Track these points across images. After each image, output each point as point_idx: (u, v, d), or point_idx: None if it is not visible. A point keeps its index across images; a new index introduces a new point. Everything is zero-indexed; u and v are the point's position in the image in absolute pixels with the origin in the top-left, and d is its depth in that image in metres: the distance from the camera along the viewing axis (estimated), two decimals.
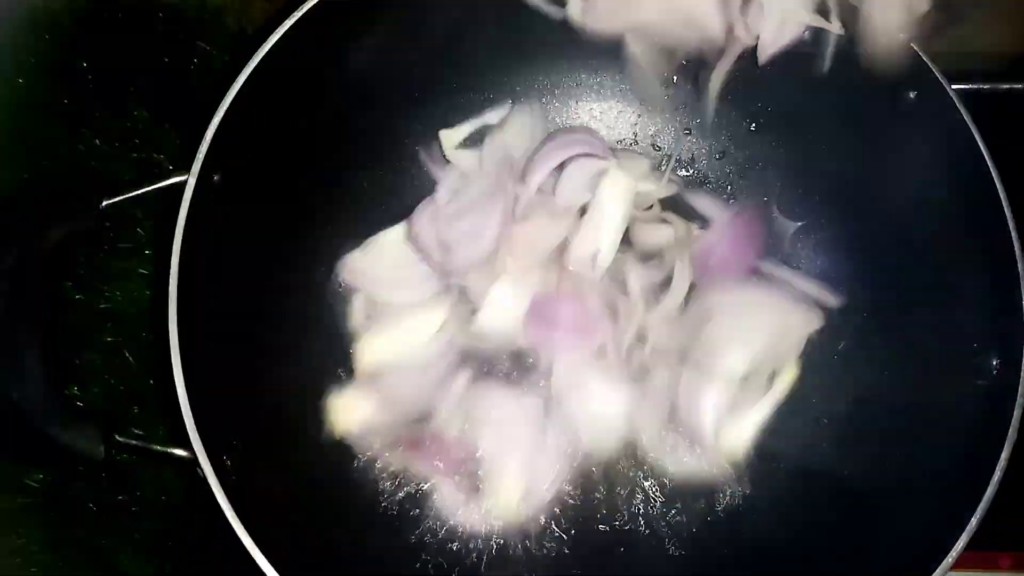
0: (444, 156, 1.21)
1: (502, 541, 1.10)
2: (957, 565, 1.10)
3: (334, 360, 1.16)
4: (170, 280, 0.90)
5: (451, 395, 1.11)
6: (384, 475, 1.12)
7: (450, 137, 1.22)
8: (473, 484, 1.10)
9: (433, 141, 1.22)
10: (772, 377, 1.11)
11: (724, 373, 1.09)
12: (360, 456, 1.11)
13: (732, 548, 1.11)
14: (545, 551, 1.11)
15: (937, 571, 0.88)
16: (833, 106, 1.12)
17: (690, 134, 1.27)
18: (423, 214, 1.15)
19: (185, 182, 0.94)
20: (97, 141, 1.31)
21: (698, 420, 1.10)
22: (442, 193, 1.14)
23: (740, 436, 1.10)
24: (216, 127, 0.95)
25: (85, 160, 1.30)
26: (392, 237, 1.17)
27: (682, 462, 1.12)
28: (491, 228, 1.09)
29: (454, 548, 1.10)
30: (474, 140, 1.21)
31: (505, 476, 1.08)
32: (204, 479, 0.88)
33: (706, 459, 1.11)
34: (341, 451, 1.13)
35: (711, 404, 1.10)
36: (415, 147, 1.21)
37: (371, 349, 1.11)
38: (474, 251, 1.10)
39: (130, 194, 0.95)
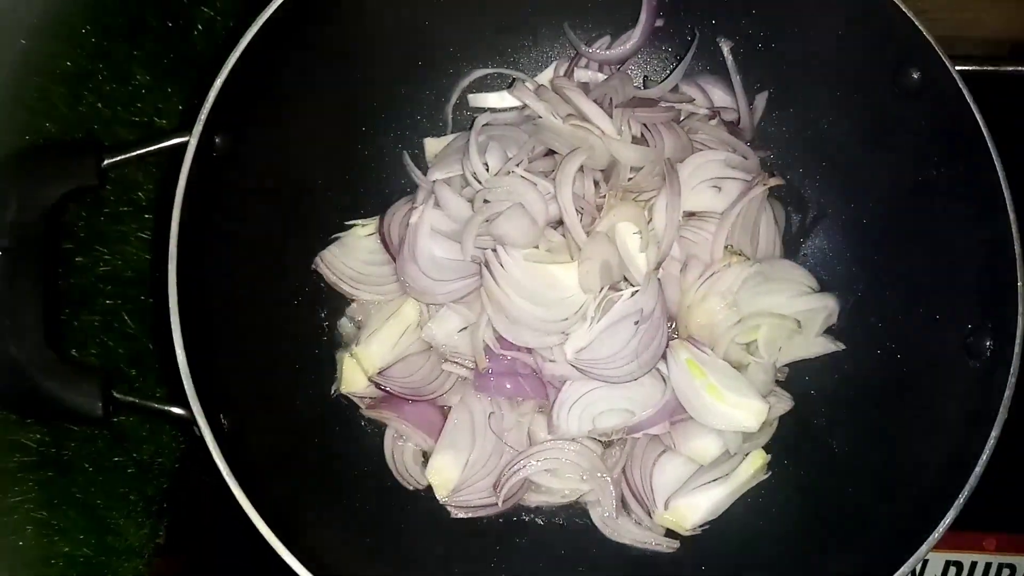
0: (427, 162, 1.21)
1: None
2: (943, 546, 1.12)
3: (330, 323, 1.18)
4: (170, 240, 0.90)
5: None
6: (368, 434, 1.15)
7: (433, 146, 1.22)
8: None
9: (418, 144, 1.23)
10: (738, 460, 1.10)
11: (694, 455, 1.09)
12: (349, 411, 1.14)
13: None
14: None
15: (924, 545, 0.88)
16: (835, 85, 1.12)
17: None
18: (394, 216, 1.15)
19: (187, 143, 0.94)
20: (99, 104, 1.31)
21: (650, 488, 1.10)
22: (419, 202, 1.14)
23: (692, 513, 1.09)
24: (219, 87, 0.95)
25: (87, 123, 1.30)
26: (364, 233, 1.17)
27: (626, 527, 1.11)
28: (468, 287, 1.09)
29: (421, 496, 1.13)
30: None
31: (445, 460, 1.10)
32: (201, 438, 0.89)
33: (652, 528, 1.11)
34: (334, 411, 1.14)
35: (667, 476, 1.10)
36: (399, 146, 1.21)
37: (369, 357, 1.12)
38: (446, 297, 1.10)
39: (132, 153, 0.96)
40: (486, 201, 1.08)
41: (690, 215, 1.14)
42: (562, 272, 1.07)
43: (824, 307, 1.11)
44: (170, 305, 0.89)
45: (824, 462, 1.11)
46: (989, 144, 0.97)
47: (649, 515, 1.10)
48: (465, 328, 1.11)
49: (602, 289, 1.07)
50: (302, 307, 1.15)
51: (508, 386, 1.10)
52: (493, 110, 1.22)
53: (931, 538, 0.88)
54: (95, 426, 1.19)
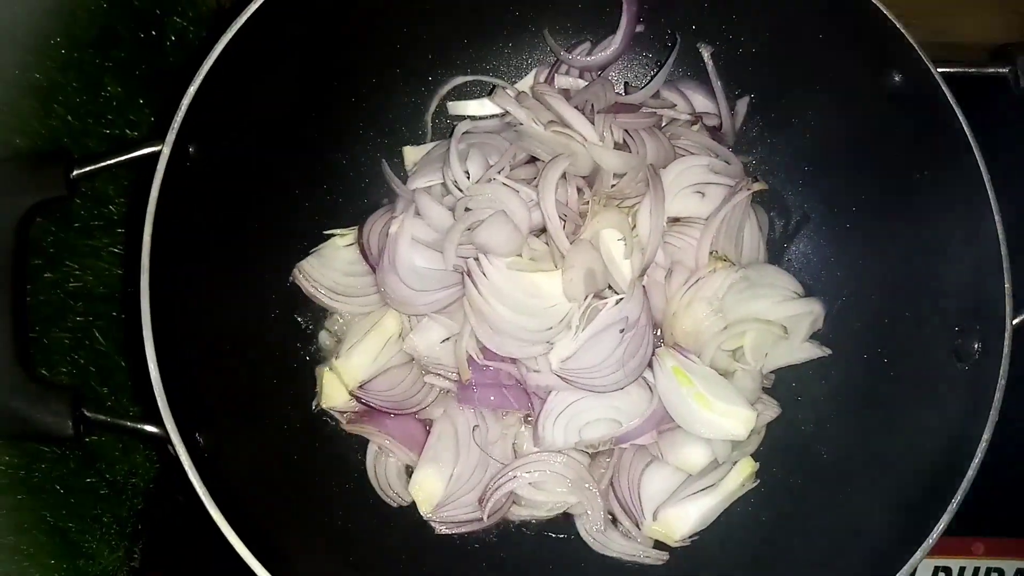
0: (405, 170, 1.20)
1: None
2: (932, 552, 1.10)
3: (309, 335, 1.15)
4: (143, 252, 0.88)
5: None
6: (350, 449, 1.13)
7: (413, 154, 1.21)
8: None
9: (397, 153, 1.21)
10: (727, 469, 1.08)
11: (682, 464, 1.08)
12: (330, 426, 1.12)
13: None
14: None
15: (917, 552, 0.87)
16: (817, 89, 1.12)
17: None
18: (373, 225, 1.13)
19: (159, 153, 0.91)
20: (69, 117, 1.28)
21: (638, 499, 1.09)
22: (399, 211, 1.12)
23: (681, 524, 1.07)
24: (192, 95, 0.93)
25: (57, 136, 1.27)
26: (343, 243, 1.15)
27: (614, 540, 1.09)
28: (449, 297, 1.07)
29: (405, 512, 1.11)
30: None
31: (428, 475, 1.08)
32: (176, 457, 0.86)
33: (640, 540, 1.09)
34: (314, 427, 1.12)
35: (655, 486, 1.09)
36: (378, 154, 1.19)
37: (349, 370, 1.09)
38: (427, 308, 1.08)
39: (103, 163, 0.93)
40: (467, 209, 1.07)
41: (674, 221, 1.13)
42: (545, 280, 1.06)
43: (810, 312, 1.10)
44: (143, 319, 0.86)
45: (813, 469, 1.10)
46: (973, 145, 0.97)
47: (638, 526, 1.08)
48: (447, 339, 1.09)
49: (587, 297, 1.05)
50: (280, 320, 1.13)
51: (492, 398, 1.08)
52: (473, 118, 1.21)
53: (924, 545, 0.87)
54: (65, 445, 1.15)
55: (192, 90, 0.93)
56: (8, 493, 1.16)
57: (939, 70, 0.99)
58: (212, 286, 1.00)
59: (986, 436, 0.89)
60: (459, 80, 1.21)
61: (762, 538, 1.08)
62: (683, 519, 1.06)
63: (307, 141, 1.14)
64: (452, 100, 1.22)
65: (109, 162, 0.93)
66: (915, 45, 0.99)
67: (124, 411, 1.22)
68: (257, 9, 0.96)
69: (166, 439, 0.86)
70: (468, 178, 1.09)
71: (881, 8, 0.99)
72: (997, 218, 0.95)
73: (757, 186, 1.11)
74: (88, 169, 0.93)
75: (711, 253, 1.10)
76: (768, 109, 1.18)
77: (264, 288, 1.11)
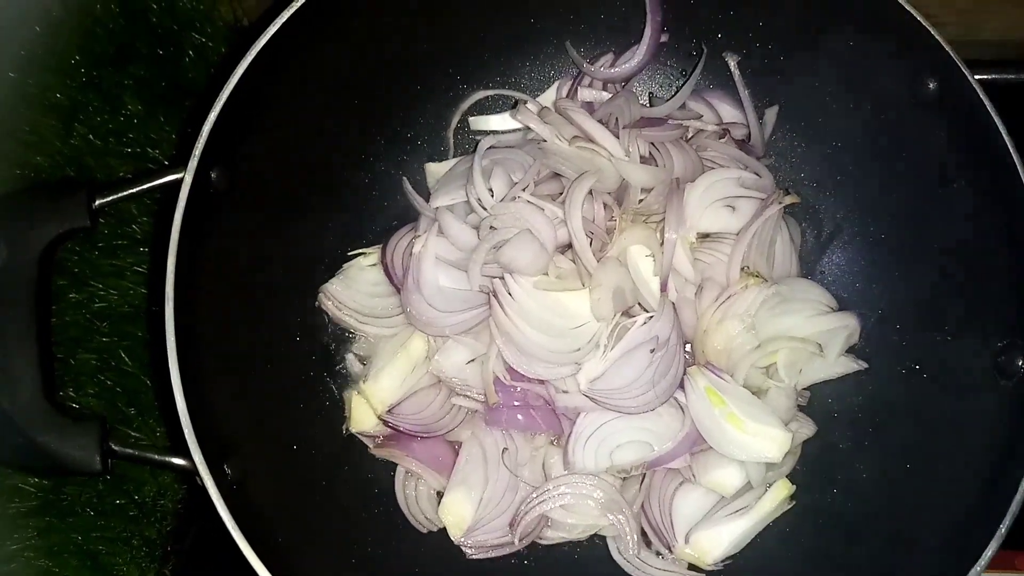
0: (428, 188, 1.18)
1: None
2: None
3: (335, 359, 1.14)
4: (167, 282, 0.87)
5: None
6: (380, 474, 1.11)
7: (435, 171, 1.19)
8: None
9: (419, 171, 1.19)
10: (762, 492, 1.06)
11: (715, 486, 1.05)
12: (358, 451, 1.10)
13: None
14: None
15: None
16: (848, 97, 1.09)
17: None
18: (397, 245, 1.12)
19: (181, 179, 0.90)
20: (91, 136, 1.28)
21: (669, 522, 1.06)
22: (422, 230, 1.10)
23: (714, 547, 1.04)
24: (213, 122, 0.92)
25: (79, 155, 1.27)
26: (367, 263, 1.14)
27: (649, 561, 1.07)
28: (476, 318, 1.06)
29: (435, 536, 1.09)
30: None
31: (458, 498, 1.06)
32: (203, 487, 0.85)
33: (673, 563, 1.07)
34: (342, 452, 1.11)
35: (687, 508, 1.06)
36: (400, 172, 1.18)
37: (378, 394, 1.08)
38: (453, 329, 1.06)
39: (125, 192, 0.92)
40: (492, 228, 1.05)
41: (704, 236, 1.11)
42: (573, 299, 1.04)
43: (844, 326, 1.08)
44: (168, 352, 0.86)
45: (852, 488, 1.07)
46: (1012, 151, 0.94)
47: (669, 549, 1.06)
48: (474, 360, 1.07)
49: (615, 316, 1.03)
50: (305, 344, 1.12)
51: (520, 419, 1.06)
52: (496, 133, 1.19)
53: (972, 573, 0.85)
54: (93, 478, 1.15)
55: (212, 116, 0.92)
56: (38, 516, 1.17)
57: (976, 77, 0.96)
58: (237, 313, 0.99)
59: None
60: (480, 95, 1.20)
61: (801, 560, 1.05)
62: (716, 542, 1.04)
63: (328, 161, 1.12)
64: (474, 115, 1.21)
65: (132, 191, 0.93)
66: (951, 52, 0.96)
67: (151, 431, 1.22)
68: (275, 34, 0.94)
69: (194, 471, 0.86)
70: (492, 196, 1.07)
71: (916, 15, 0.96)
72: None
73: (789, 199, 1.09)
74: (111, 199, 0.92)
75: (742, 269, 1.07)
76: (797, 118, 1.15)
77: (289, 312, 1.10)
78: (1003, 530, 0.85)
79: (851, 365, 1.09)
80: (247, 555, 0.84)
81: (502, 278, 1.03)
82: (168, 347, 0.85)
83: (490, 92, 1.20)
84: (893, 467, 1.04)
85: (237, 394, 0.97)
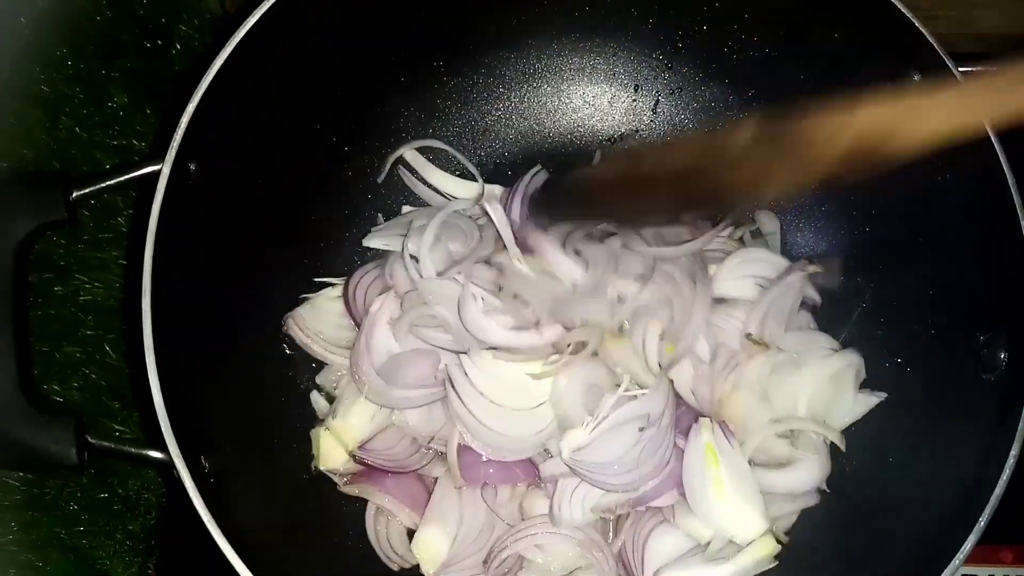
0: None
1: None
2: None
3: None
4: (144, 275, 0.87)
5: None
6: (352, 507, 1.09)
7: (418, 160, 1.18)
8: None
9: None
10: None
11: (692, 532, 1.02)
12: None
13: None
14: None
15: (947, 570, 0.85)
16: (831, 91, 1.08)
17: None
18: (359, 282, 1.10)
19: (159, 171, 0.90)
20: (77, 128, 1.27)
21: (640, 558, 1.03)
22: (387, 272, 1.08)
23: None
24: (191, 114, 0.91)
25: (65, 148, 1.26)
26: (335, 294, 1.12)
27: None
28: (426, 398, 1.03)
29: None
30: None
31: (432, 534, 1.04)
32: (180, 482, 0.85)
33: None
34: (313, 479, 1.09)
35: (662, 548, 1.03)
36: (394, 162, 1.17)
37: (347, 430, 1.05)
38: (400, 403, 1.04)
39: (102, 184, 0.92)
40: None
41: (721, 301, 1.09)
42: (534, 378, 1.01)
43: (849, 364, 1.07)
44: (145, 344, 0.85)
45: (836, 483, 1.06)
46: (995, 144, 0.93)
47: None
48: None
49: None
50: (281, 346, 1.11)
51: (492, 471, 1.03)
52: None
53: (952, 564, 0.85)
54: (70, 472, 1.15)
55: (191, 108, 0.91)
56: (22, 510, 1.16)
57: (960, 69, 0.95)
58: (214, 309, 0.98)
59: (1015, 451, 0.86)
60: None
61: (783, 555, 1.05)
62: None
63: (310, 155, 1.12)
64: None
65: (109, 183, 0.92)
66: (935, 44, 0.95)
67: (136, 425, 1.22)
68: (254, 24, 0.94)
69: (170, 464, 0.85)
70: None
71: (899, 6, 0.96)
72: (1023, 222, 0.92)
73: (813, 268, 1.09)
74: (88, 191, 0.91)
75: (747, 336, 1.05)
76: (781, 113, 1.14)
77: (271, 309, 1.10)
78: (983, 523, 0.85)
79: (870, 400, 1.07)
80: (222, 547, 0.84)
81: (459, 363, 1.01)
82: (145, 336, 0.85)
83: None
84: (877, 463, 1.04)
85: (214, 393, 0.96)
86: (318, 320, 1.10)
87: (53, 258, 1.23)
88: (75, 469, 0.86)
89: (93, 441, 0.87)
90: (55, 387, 1.19)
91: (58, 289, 1.23)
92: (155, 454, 0.87)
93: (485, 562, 1.03)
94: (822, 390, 1.05)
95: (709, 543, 1.01)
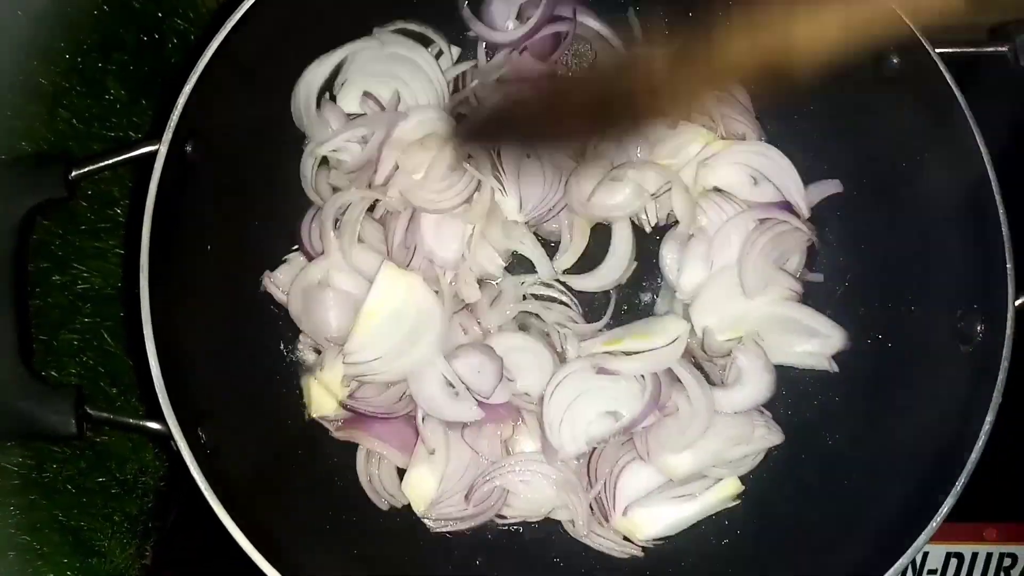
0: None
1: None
2: (943, 538, 1.09)
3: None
4: (141, 252, 0.89)
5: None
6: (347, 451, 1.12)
7: None
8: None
9: None
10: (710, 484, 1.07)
11: (664, 468, 1.06)
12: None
13: None
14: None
15: (922, 535, 0.87)
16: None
17: None
18: (311, 219, 1.13)
19: (156, 152, 0.92)
20: (74, 121, 1.29)
21: (612, 493, 1.07)
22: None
23: (649, 525, 1.06)
24: (188, 94, 0.93)
25: (62, 140, 1.28)
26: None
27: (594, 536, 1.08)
28: None
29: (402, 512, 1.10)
30: None
31: (421, 474, 1.07)
32: (179, 453, 0.87)
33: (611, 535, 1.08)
34: (310, 428, 1.12)
35: (633, 484, 1.07)
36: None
37: (336, 381, 1.08)
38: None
39: (101, 163, 0.93)
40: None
41: (715, 190, 1.14)
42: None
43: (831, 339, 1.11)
44: (143, 316, 0.87)
45: (818, 455, 1.09)
46: (973, 126, 0.96)
47: (606, 519, 1.07)
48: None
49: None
50: (272, 321, 1.13)
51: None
52: None
53: (929, 528, 0.87)
54: (69, 443, 1.16)
55: (188, 88, 0.93)
56: (21, 493, 1.17)
57: (937, 51, 0.98)
58: (210, 283, 1.01)
59: (989, 419, 0.89)
60: None
61: (765, 522, 1.07)
62: (653, 521, 1.06)
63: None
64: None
65: (108, 162, 0.94)
66: (913, 27, 0.98)
67: (134, 411, 1.23)
68: (251, 6, 0.96)
69: (168, 435, 0.87)
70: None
71: None
72: (998, 199, 0.94)
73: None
74: (87, 169, 0.93)
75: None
76: (762, 95, 1.17)
77: (254, 282, 1.12)
78: (959, 487, 0.87)
79: (821, 363, 1.11)
80: (222, 518, 0.85)
81: None
82: (142, 308, 0.87)
83: None
84: (859, 433, 1.07)
85: (210, 364, 0.98)
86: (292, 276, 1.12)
87: (51, 247, 1.24)
88: (74, 439, 0.88)
89: (92, 412, 0.89)
90: (53, 373, 1.20)
91: (56, 278, 1.24)
92: (154, 425, 0.88)
93: (467, 496, 1.07)
94: (768, 324, 1.10)
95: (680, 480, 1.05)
